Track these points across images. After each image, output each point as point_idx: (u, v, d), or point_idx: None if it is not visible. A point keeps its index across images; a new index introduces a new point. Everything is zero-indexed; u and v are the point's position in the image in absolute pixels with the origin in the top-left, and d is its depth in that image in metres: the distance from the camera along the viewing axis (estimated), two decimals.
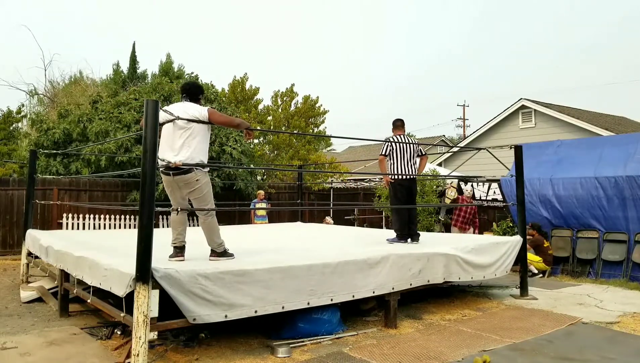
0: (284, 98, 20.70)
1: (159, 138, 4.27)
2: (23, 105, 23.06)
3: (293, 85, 20.68)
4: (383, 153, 6.45)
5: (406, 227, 6.50)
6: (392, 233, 6.79)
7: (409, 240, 6.43)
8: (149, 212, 3.69)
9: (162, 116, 4.37)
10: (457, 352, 4.33)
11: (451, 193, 11.21)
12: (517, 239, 6.81)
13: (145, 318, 3.55)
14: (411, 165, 6.40)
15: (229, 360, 4.09)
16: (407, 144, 6.37)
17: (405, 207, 6.50)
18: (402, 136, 6.52)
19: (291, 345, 4.37)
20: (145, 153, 3.75)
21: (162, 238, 4.68)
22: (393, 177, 6.39)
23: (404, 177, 6.36)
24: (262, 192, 12.44)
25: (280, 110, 20.48)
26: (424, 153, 6.72)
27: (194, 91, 4.67)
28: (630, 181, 8.13)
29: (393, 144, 6.35)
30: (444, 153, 20.26)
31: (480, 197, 11.53)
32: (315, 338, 4.61)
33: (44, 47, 51.12)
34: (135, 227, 7.34)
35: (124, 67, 23.99)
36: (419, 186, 12.40)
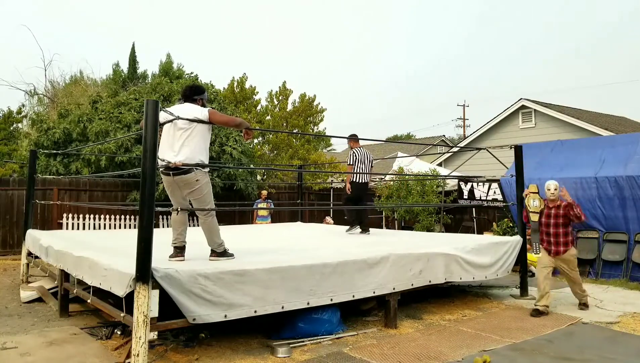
0: (279, 97, 20.71)
1: (159, 138, 4.27)
2: (23, 105, 23.08)
3: (285, 82, 20.70)
4: (350, 163, 7.83)
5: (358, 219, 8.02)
6: (388, 232, 7.50)
7: (360, 230, 7.80)
8: (149, 212, 3.69)
9: (163, 116, 4.38)
10: (457, 352, 4.33)
11: (533, 203, 6.33)
12: (517, 239, 6.82)
13: (145, 318, 3.55)
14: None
15: (229, 360, 4.09)
16: (365, 156, 7.85)
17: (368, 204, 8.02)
18: (360, 149, 7.87)
19: (291, 345, 4.37)
20: (145, 153, 3.75)
21: (162, 238, 4.68)
22: (355, 180, 7.78)
23: (362, 181, 7.82)
24: (264, 192, 12.45)
25: (277, 109, 20.49)
26: (372, 166, 8.12)
27: (188, 93, 4.69)
28: (631, 181, 8.13)
29: (355, 155, 7.78)
30: (444, 153, 20.25)
31: (480, 197, 11.50)
32: (315, 338, 4.61)
33: (44, 47, 51.20)
34: (135, 227, 7.34)
35: (124, 67, 23.98)
36: (418, 186, 12.45)
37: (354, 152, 7.79)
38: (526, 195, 6.45)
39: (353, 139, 7.90)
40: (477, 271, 6.07)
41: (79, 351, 4.28)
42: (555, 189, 6.06)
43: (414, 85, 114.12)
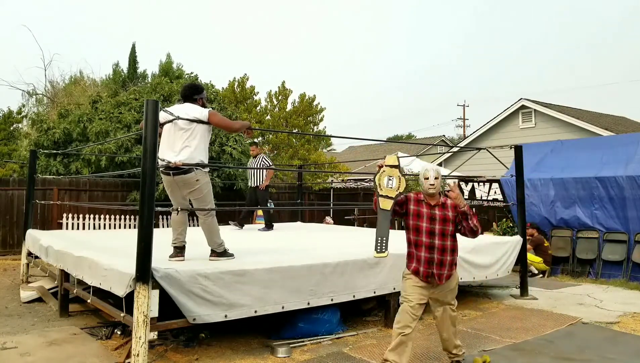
0: (279, 97, 20.70)
1: (159, 138, 4.27)
2: (23, 105, 23.06)
3: (284, 82, 20.71)
4: (271, 165, 9.01)
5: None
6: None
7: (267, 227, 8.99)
8: (149, 212, 3.69)
9: (163, 116, 4.39)
10: None
11: (388, 182, 4.03)
12: (517, 239, 6.81)
13: (145, 318, 3.55)
14: None
15: (229, 360, 4.09)
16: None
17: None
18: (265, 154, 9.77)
19: (291, 345, 4.37)
20: (145, 153, 3.75)
21: (162, 238, 4.68)
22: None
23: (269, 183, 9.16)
24: None
25: (277, 109, 20.49)
26: None
27: (187, 93, 4.69)
28: (631, 181, 8.13)
29: (267, 160, 9.07)
30: (444, 153, 20.25)
31: (481, 197, 11.49)
32: (315, 338, 4.61)
33: (44, 47, 51.13)
34: (135, 227, 7.35)
35: (124, 67, 23.99)
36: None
37: (265, 156, 9.01)
38: (380, 167, 4.02)
39: (257, 145, 9.10)
40: (477, 271, 6.07)
41: (79, 351, 4.28)
42: (437, 179, 3.92)
43: (414, 85, 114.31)
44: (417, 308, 3.75)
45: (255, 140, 9.62)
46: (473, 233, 3.81)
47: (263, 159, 8.94)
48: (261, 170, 8.74)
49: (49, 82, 22.58)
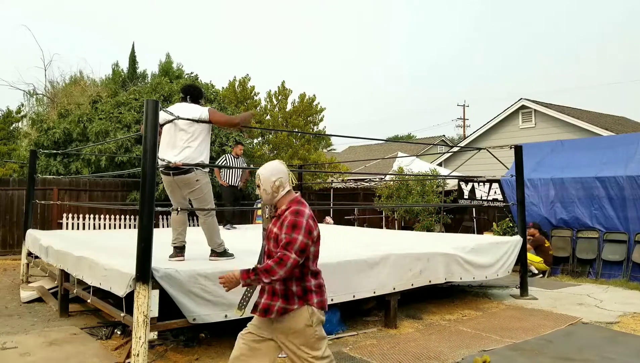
0: (279, 97, 20.69)
1: (159, 137, 4.27)
2: (23, 105, 23.06)
3: (284, 82, 20.71)
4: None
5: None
6: (388, 232, 7.74)
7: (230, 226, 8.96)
8: (149, 212, 3.69)
9: (163, 116, 4.38)
10: (457, 352, 4.33)
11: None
12: (517, 239, 6.82)
13: (145, 318, 3.55)
14: None
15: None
16: None
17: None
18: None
19: None
20: (145, 153, 3.75)
21: (162, 238, 4.68)
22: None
23: None
24: None
25: (277, 109, 20.48)
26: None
27: (195, 93, 4.69)
28: (631, 181, 8.14)
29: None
30: (444, 153, 20.24)
31: (481, 197, 11.48)
32: None
33: (44, 47, 51.12)
34: (135, 227, 7.35)
35: (123, 67, 23.98)
36: (418, 186, 12.45)
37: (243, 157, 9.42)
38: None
39: (243, 145, 9.62)
40: (477, 271, 6.07)
41: (79, 351, 4.28)
42: (258, 187, 2.84)
43: (413, 85, 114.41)
44: (248, 335, 2.89)
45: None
46: (277, 269, 2.67)
47: (242, 159, 9.47)
48: (238, 170, 9.24)
49: (49, 82, 22.59)
